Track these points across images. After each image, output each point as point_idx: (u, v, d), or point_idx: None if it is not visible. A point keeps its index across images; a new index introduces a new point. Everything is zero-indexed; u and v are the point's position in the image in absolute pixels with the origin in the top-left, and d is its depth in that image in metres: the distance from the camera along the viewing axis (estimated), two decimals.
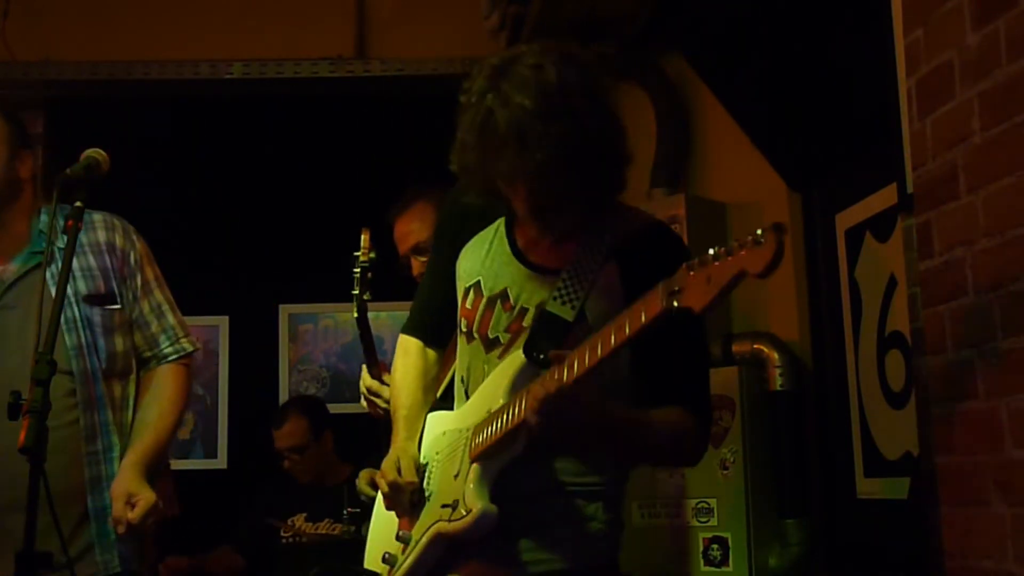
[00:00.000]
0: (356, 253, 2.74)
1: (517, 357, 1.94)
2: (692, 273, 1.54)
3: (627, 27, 4.12)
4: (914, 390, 2.74)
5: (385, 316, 5.32)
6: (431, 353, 2.20)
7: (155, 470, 2.54)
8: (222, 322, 5.11)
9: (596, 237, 1.98)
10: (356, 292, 2.73)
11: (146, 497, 2.44)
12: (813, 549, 3.51)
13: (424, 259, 2.87)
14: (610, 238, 1.97)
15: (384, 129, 5.02)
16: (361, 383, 2.80)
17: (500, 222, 2.07)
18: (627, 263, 1.95)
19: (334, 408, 4.70)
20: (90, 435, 2.49)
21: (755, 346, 3.68)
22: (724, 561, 3.48)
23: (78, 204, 2.30)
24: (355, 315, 2.77)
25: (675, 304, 1.55)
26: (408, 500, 2.04)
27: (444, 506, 1.97)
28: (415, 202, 2.90)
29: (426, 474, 2.07)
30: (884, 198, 3.19)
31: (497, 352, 2.00)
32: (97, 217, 2.61)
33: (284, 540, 4.22)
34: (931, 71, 2.29)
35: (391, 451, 2.10)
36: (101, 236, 2.61)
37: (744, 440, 3.51)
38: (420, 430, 2.13)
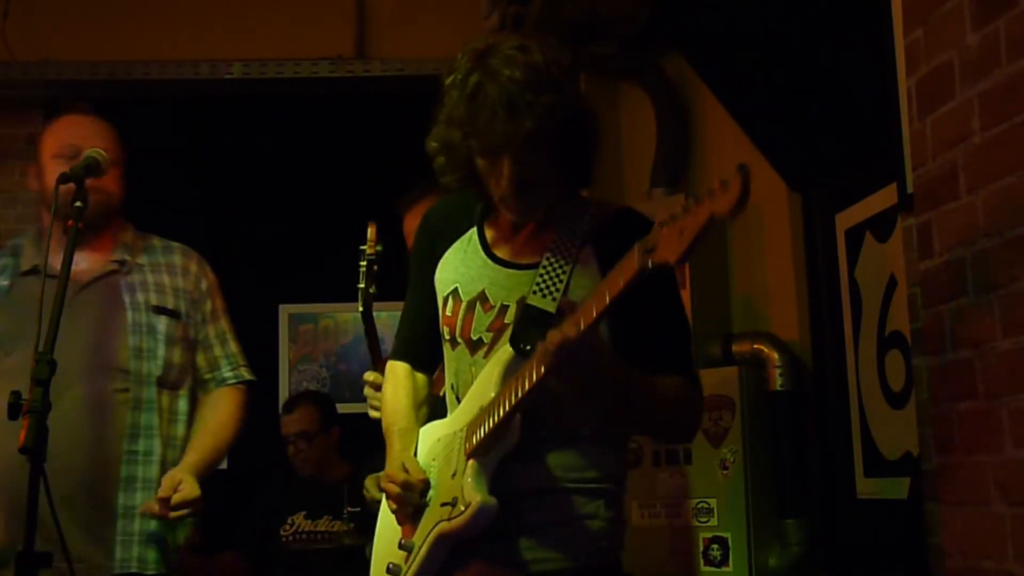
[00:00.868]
0: (362, 246, 2.73)
1: (505, 351, 1.96)
2: (664, 229, 1.60)
3: (627, 27, 4.12)
4: (914, 390, 2.74)
5: (385, 316, 5.32)
6: (420, 376, 2.20)
7: (205, 475, 2.59)
8: None
9: (569, 227, 2.01)
10: (362, 286, 2.73)
11: (191, 487, 2.51)
12: (813, 549, 3.51)
13: None
14: (583, 225, 2.01)
15: (384, 129, 5.02)
16: (365, 376, 2.78)
17: (472, 231, 2.10)
18: (602, 245, 1.97)
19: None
20: (133, 434, 2.56)
21: (755, 346, 3.68)
22: (724, 561, 3.48)
23: (78, 204, 2.31)
24: (360, 309, 2.76)
25: (650, 261, 1.60)
26: (418, 500, 2.02)
27: (444, 504, 1.96)
28: (426, 196, 2.88)
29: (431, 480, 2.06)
30: (884, 198, 3.18)
31: (482, 352, 2.01)
32: (176, 245, 2.81)
33: (284, 539, 4.22)
34: (931, 71, 2.29)
35: (390, 460, 2.09)
36: (178, 260, 2.77)
37: (744, 440, 3.51)
38: (415, 443, 2.12)
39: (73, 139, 2.63)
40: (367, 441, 2.82)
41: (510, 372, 1.92)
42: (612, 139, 4.45)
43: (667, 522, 3.63)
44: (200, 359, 2.74)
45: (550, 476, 1.96)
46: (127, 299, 2.62)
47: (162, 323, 2.64)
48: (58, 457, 2.29)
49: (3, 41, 4.65)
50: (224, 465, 5.00)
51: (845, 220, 3.52)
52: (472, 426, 1.96)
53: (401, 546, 2.03)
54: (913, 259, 2.49)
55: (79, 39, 4.76)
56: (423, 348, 2.18)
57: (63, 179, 2.33)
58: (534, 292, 1.97)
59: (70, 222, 2.28)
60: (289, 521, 4.25)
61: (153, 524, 2.54)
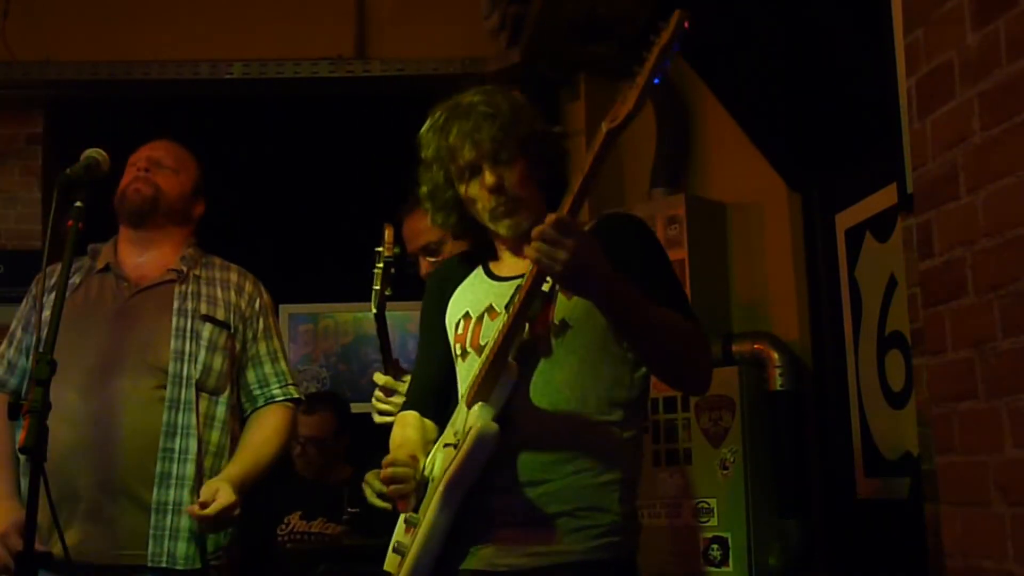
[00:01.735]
0: (379, 248, 2.74)
1: (500, 318, 2.01)
2: (619, 97, 1.80)
3: (627, 27, 4.12)
4: (914, 390, 2.74)
5: (387, 316, 5.33)
6: (429, 423, 2.21)
7: (245, 487, 2.63)
8: None
9: None
10: (377, 288, 2.73)
11: (228, 496, 2.55)
12: (813, 549, 3.51)
13: (432, 259, 2.87)
14: None
15: (384, 129, 5.01)
16: (376, 379, 2.77)
17: (478, 269, 2.20)
18: (603, 239, 2.00)
19: None
20: (170, 432, 2.61)
21: (755, 346, 3.68)
22: (724, 561, 3.48)
23: (78, 204, 2.31)
24: (373, 311, 2.77)
25: (613, 123, 1.82)
26: (411, 475, 2.02)
27: (447, 445, 2.00)
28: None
29: (430, 462, 2.07)
30: (884, 198, 3.19)
31: None
32: (235, 266, 2.91)
33: (280, 538, 4.22)
34: (931, 71, 2.29)
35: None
36: (233, 277, 2.86)
37: (744, 440, 3.51)
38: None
39: (140, 151, 2.85)
40: (368, 442, 2.82)
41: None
42: None
43: (667, 522, 3.63)
44: (251, 375, 2.82)
45: (564, 469, 1.98)
46: (176, 305, 2.71)
47: (207, 329, 2.71)
48: (92, 446, 2.53)
49: (3, 41, 4.65)
50: None
51: (845, 220, 3.52)
52: (471, 386, 2.00)
53: (407, 521, 2.04)
54: (913, 259, 2.49)
55: (79, 39, 4.76)
56: (433, 402, 2.21)
57: (63, 179, 2.34)
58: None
59: (70, 222, 2.28)
60: (285, 520, 4.25)
61: (186, 521, 2.58)
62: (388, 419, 2.72)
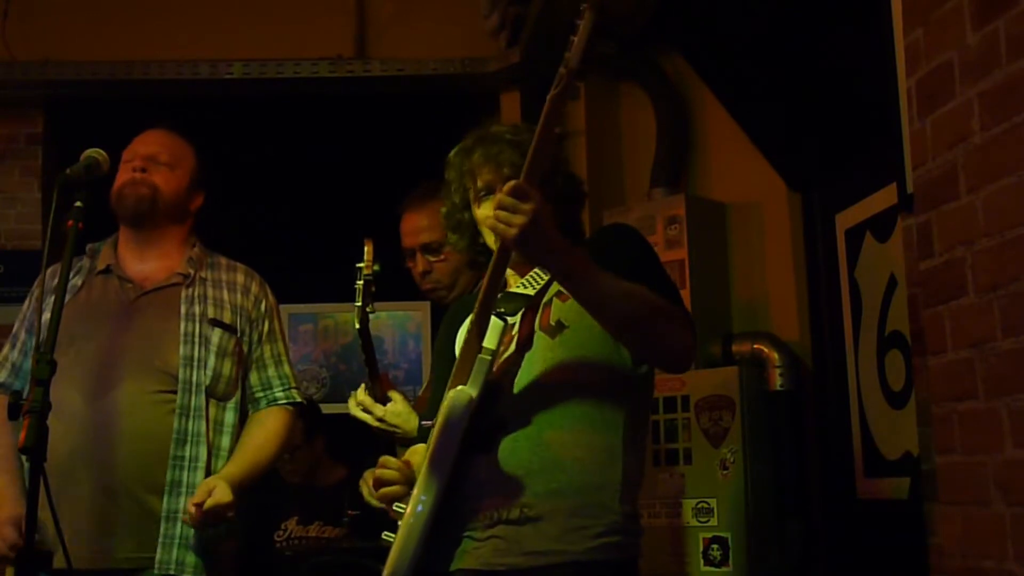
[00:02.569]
0: (359, 264, 2.72)
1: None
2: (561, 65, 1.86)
3: (627, 27, 4.12)
4: (914, 390, 2.74)
5: (385, 316, 5.33)
6: None
7: (243, 487, 2.62)
8: None
9: None
10: (359, 304, 2.72)
11: (225, 494, 2.53)
12: (813, 549, 3.51)
13: (432, 258, 2.87)
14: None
15: (384, 129, 5.02)
16: (351, 400, 2.77)
17: None
18: (592, 248, 2.10)
19: (334, 408, 4.68)
20: (180, 439, 2.60)
21: (755, 346, 3.68)
22: (724, 561, 3.48)
23: (78, 204, 2.32)
24: (356, 327, 2.75)
25: (556, 89, 1.85)
26: (400, 479, 2.04)
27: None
28: (429, 199, 2.86)
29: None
30: (884, 198, 3.19)
31: None
32: (241, 266, 2.89)
33: (278, 544, 4.21)
34: (931, 71, 2.29)
35: None
36: (240, 279, 2.84)
37: (744, 440, 3.51)
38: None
39: (134, 146, 2.80)
40: (365, 443, 2.82)
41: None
42: (612, 139, 4.45)
43: (667, 522, 3.63)
44: (254, 377, 2.80)
45: (564, 469, 1.98)
46: (184, 309, 2.68)
47: (215, 335, 2.69)
48: (96, 449, 2.51)
49: (3, 41, 4.65)
50: None
51: (845, 220, 3.52)
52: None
53: (396, 515, 2.03)
54: (913, 259, 2.49)
55: (79, 39, 4.75)
56: None
57: (63, 179, 2.33)
58: (519, 286, 2.12)
59: (70, 222, 2.28)
60: (283, 527, 4.24)
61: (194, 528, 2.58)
62: (379, 425, 2.72)
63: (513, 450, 1.98)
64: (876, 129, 2.82)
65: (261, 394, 2.81)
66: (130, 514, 2.54)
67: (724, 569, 3.48)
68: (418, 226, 2.89)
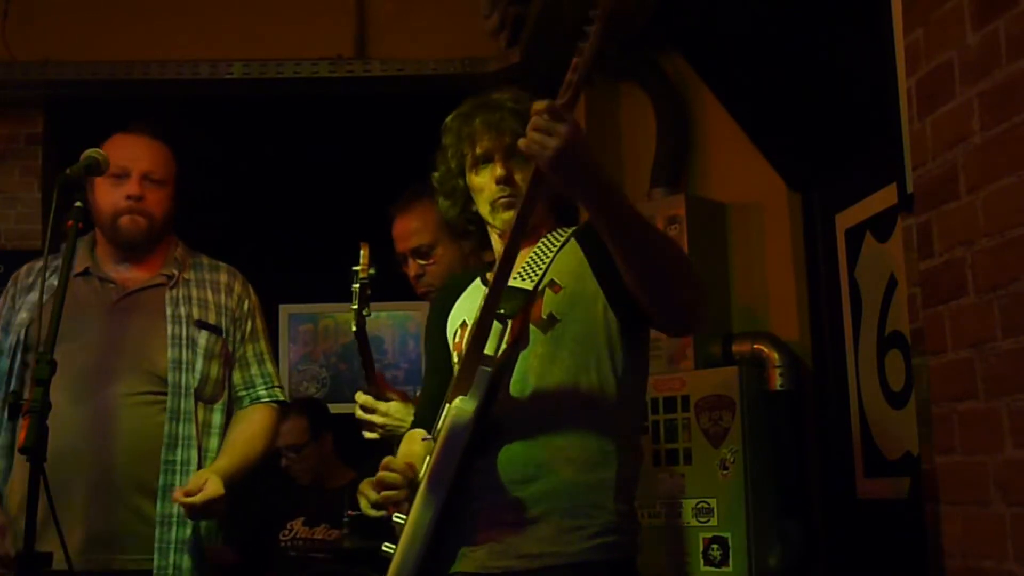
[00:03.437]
0: (355, 268, 2.72)
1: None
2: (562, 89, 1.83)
3: (627, 27, 4.11)
4: (914, 390, 2.74)
5: (385, 316, 5.34)
6: None
7: (234, 481, 2.61)
8: None
9: (554, 236, 2.14)
10: (355, 307, 2.72)
11: (217, 488, 2.53)
12: (813, 549, 3.51)
13: (423, 261, 2.87)
14: (566, 234, 2.13)
15: (384, 129, 5.02)
16: (357, 398, 2.77)
17: (476, 280, 2.21)
18: (587, 239, 2.06)
19: (334, 408, 4.69)
20: (171, 444, 2.60)
21: (755, 346, 3.68)
22: (724, 561, 3.48)
23: (78, 204, 2.32)
24: (353, 329, 2.75)
25: (564, 98, 1.82)
26: (403, 483, 2.01)
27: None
28: (416, 202, 2.88)
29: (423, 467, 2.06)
30: (884, 198, 3.19)
31: None
32: (223, 265, 2.86)
33: (283, 544, 4.21)
34: (931, 71, 2.29)
35: None
36: (223, 278, 2.82)
37: (744, 440, 3.51)
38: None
39: (122, 159, 2.68)
40: (368, 444, 2.82)
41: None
42: (612, 139, 4.45)
43: (667, 522, 3.63)
44: (236, 376, 2.79)
45: (560, 468, 1.96)
46: (170, 311, 2.67)
47: (202, 337, 2.68)
48: (86, 451, 2.51)
49: (3, 41, 4.65)
50: None
51: (845, 220, 3.52)
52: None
53: (395, 524, 2.02)
54: (913, 259, 2.49)
55: (79, 39, 4.75)
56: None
57: (63, 179, 2.34)
58: (515, 278, 2.04)
59: (70, 222, 2.29)
60: (288, 527, 4.25)
61: (189, 532, 2.58)
62: (373, 435, 2.73)
63: (508, 454, 1.97)
64: (876, 129, 2.82)
65: (244, 392, 2.79)
66: (124, 516, 2.53)
67: (724, 569, 3.48)
68: (408, 230, 2.90)
